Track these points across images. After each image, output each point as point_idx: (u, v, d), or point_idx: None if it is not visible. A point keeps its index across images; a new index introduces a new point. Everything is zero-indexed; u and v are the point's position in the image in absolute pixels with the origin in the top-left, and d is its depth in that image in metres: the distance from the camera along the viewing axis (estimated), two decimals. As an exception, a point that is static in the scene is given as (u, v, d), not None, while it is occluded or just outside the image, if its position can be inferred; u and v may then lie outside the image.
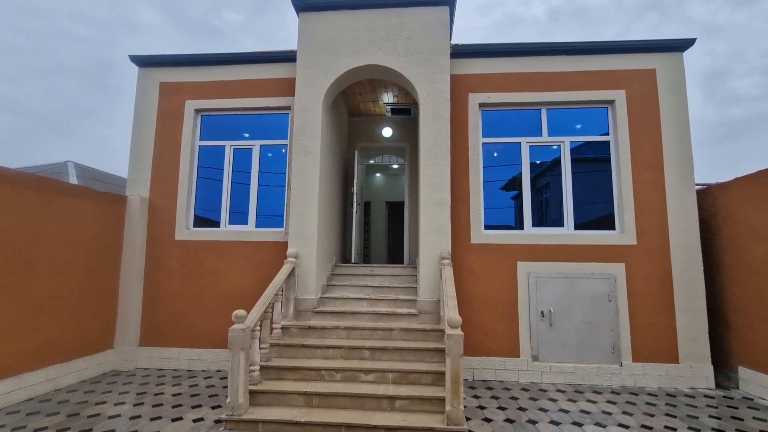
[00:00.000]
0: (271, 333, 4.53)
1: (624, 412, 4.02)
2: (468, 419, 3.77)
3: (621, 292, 5.11)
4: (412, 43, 5.37)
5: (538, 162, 5.67)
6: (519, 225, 5.58)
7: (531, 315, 5.19)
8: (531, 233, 5.41)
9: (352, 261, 6.42)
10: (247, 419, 3.49)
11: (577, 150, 5.61)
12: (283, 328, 4.67)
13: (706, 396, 4.58)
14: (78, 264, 4.90)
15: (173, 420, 3.68)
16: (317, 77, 5.44)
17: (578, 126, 5.65)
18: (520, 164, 5.63)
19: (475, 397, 4.46)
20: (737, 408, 4.19)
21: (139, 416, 3.76)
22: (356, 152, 7.36)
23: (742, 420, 3.86)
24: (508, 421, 3.78)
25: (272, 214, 5.87)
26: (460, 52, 5.70)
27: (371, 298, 5.26)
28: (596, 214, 5.51)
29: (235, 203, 6.00)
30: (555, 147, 5.63)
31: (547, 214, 5.63)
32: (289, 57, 5.85)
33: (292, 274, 4.98)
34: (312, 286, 5.10)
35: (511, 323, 5.20)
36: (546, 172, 5.74)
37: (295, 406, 3.72)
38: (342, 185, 6.84)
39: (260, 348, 4.12)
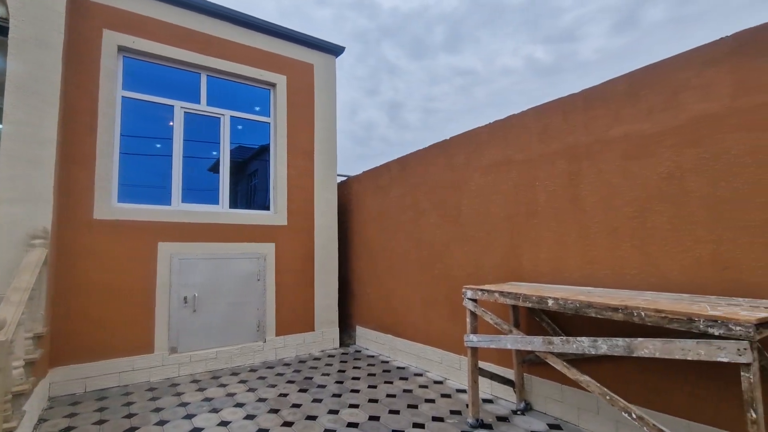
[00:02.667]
0: None
1: (250, 389, 4.01)
2: (31, 453, 2.75)
3: (270, 270, 5.25)
4: (1, -75, 3.66)
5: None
6: (167, 201, 4.84)
7: (171, 302, 4.56)
8: (178, 209, 4.77)
9: None
10: None
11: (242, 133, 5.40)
12: None
13: (329, 356, 5.29)
14: None
15: None
16: None
17: (239, 101, 5.44)
18: (172, 132, 4.89)
19: (71, 415, 3.43)
20: (347, 361, 5.00)
21: None
22: None
23: (346, 364, 4.59)
24: (99, 437, 3.01)
25: None
26: (94, -28, 4.39)
27: None
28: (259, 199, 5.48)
29: None
30: (216, 118, 5.21)
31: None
32: None
33: None
34: None
35: (146, 315, 4.41)
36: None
37: None
38: None
39: None
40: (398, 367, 4.72)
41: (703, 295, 2.43)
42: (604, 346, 2.22)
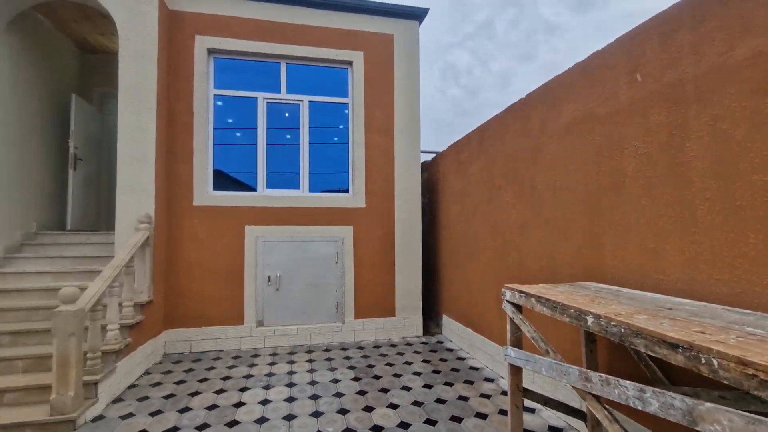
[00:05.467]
0: None
1: (311, 370, 4.09)
2: (120, 400, 3.36)
3: (348, 253, 5.24)
4: (111, -38, 4.39)
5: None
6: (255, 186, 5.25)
7: (258, 280, 4.99)
8: (264, 195, 5.13)
9: (69, 228, 5.37)
10: None
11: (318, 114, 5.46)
12: None
13: (407, 344, 5.03)
14: None
15: None
16: (-35, -14, 4.10)
17: (318, 85, 5.47)
18: (256, 123, 5.24)
19: (167, 372, 4.08)
20: (421, 352, 4.66)
21: None
22: (83, 98, 6.08)
23: (417, 356, 4.27)
24: (169, 396, 3.47)
25: None
26: (186, -15, 4.93)
27: (62, 271, 4.38)
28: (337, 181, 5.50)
29: None
30: (295, 104, 5.38)
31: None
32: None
33: None
34: (-42, 260, 3.99)
35: (236, 289, 4.93)
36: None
37: None
38: (59, 138, 5.58)
39: None
40: (471, 368, 4.15)
41: None
42: (654, 402, 1.38)
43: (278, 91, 5.31)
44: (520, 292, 2.32)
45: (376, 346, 4.92)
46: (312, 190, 5.36)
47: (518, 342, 2.45)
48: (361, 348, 4.85)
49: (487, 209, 4.21)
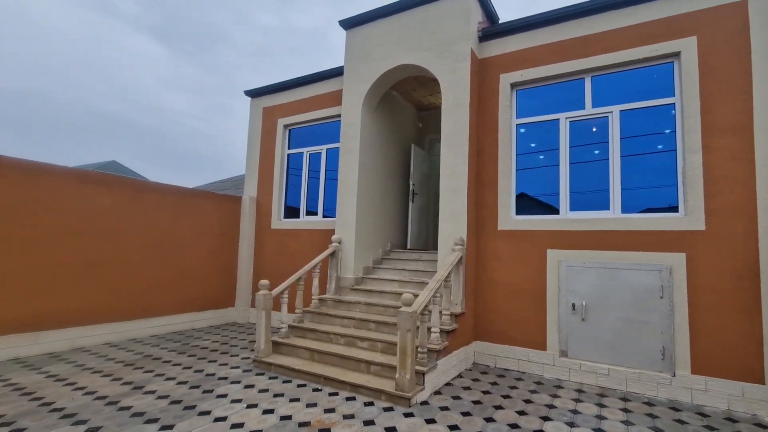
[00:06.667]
0: (311, 303, 5.60)
1: (626, 422, 3.50)
2: (439, 393, 4.01)
3: (679, 287, 4.20)
4: (435, 36, 5.55)
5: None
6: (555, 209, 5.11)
7: (560, 307, 4.77)
8: (567, 218, 4.91)
9: (408, 247, 6.90)
10: (265, 361, 4.64)
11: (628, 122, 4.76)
12: (321, 299, 5.68)
13: (790, 430, 3.44)
14: (205, 245, 7.02)
15: (231, 356, 5.14)
16: (357, 86, 6.20)
17: (629, 92, 4.76)
18: (558, 143, 5.12)
19: (475, 380, 4.52)
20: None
21: (224, 344, 5.37)
22: (418, 145, 7.74)
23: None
24: (477, 402, 3.83)
25: (335, 207, 6.93)
26: (491, 32, 5.54)
27: (403, 280, 5.75)
28: (653, 197, 4.59)
29: (310, 197, 7.33)
30: (602, 118, 4.90)
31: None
32: (342, 71, 6.78)
33: (334, 256, 5.95)
34: (351, 267, 5.94)
35: (538, 314, 4.90)
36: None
37: (301, 358, 4.68)
38: (403, 177, 7.37)
39: (295, 312, 5.27)
40: None
41: None
42: None
43: (581, 107, 5.02)
44: None
45: (730, 420, 3.63)
46: (625, 210, 4.68)
47: None
48: (703, 416, 3.71)
49: None
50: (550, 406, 3.78)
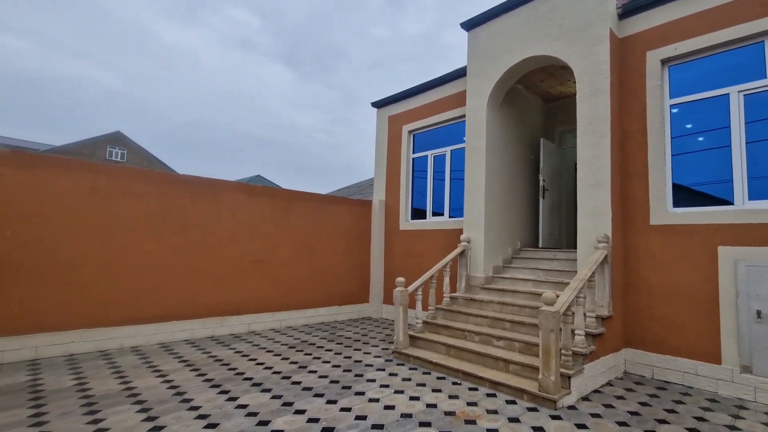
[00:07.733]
0: (443, 301, 5.79)
1: None
2: (587, 399, 3.79)
3: None
4: (567, 22, 5.23)
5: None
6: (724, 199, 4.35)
7: (740, 314, 4.05)
8: (744, 209, 4.14)
9: (540, 246, 6.56)
10: (404, 352, 4.97)
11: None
12: (452, 297, 5.82)
13: None
14: (341, 246, 7.78)
15: (372, 346, 5.63)
16: (480, 85, 6.20)
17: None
18: (729, 122, 4.36)
19: (629, 389, 4.13)
20: None
21: (364, 335, 5.94)
22: (547, 138, 7.32)
23: None
24: (634, 414, 3.51)
25: (461, 207, 7.01)
26: (633, 7, 5.00)
27: (538, 280, 5.54)
28: None
29: (436, 199, 7.54)
30: (793, 87, 4.02)
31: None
32: (464, 73, 6.84)
33: (463, 255, 6.04)
34: (480, 266, 5.95)
35: (708, 321, 4.24)
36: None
37: (438, 352, 4.88)
38: (531, 173, 7.06)
39: (428, 308, 5.54)
40: None
41: None
42: None
43: (760, 76, 4.20)
44: None
45: None
46: (833, 197, 3.77)
47: None
48: None
49: None
50: (732, 428, 3.26)
